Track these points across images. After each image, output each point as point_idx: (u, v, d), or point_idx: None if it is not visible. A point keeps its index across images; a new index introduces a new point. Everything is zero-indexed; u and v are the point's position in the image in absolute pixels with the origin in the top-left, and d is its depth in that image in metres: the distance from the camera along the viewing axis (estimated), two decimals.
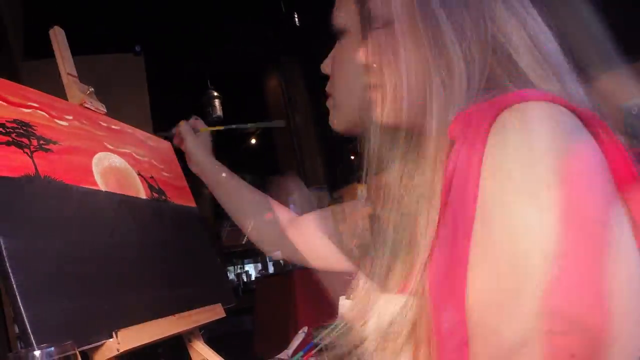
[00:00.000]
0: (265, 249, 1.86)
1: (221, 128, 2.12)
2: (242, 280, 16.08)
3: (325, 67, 1.29)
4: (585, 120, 0.75)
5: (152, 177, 1.96)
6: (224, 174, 1.92)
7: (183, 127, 1.97)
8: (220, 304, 1.92)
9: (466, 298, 0.74)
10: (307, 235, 1.73)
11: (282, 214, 1.86)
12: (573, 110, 0.75)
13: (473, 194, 0.75)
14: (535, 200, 0.69)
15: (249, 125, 2.10)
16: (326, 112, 1.32)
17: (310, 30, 9.25)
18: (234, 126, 2.09)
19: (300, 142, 10.34)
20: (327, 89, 1.29)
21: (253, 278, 16.11)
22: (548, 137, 0.71)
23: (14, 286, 1.15)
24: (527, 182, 0.70)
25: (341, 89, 1.23)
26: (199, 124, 2.05)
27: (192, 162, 1.95)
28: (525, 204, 0.69)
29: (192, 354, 1.87)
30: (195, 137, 1.97)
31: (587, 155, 0.72)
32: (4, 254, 1.17)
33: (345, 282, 1.20)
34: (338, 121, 1.26)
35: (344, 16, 1.16)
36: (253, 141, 14.77)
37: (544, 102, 0.75)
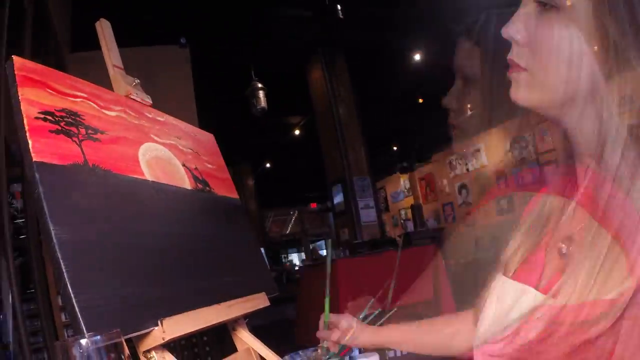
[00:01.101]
0: None
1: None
2: (286, 269, 16.16)
3: (517, 32, 1.12)
4: None
5: (196, 168, 1.96)
6: (399, 337, 1.78)
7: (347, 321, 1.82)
8: (264, 293, 1.93)
9: None
10: None
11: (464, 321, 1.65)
12: None
13: None
14: None
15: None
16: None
17: (353, 22, 9.25)
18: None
19: (343, 133, 10.32)
20: (517, 59, 1.14)
21: (297, 267, 16.18)
22: None
23: (65, 274, 1.16)
24: None
25: (547, 66, 1.08)
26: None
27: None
28: None
29: (237, 342, 1.87)
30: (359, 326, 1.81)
31: None
32: (55, 242, 1.18)
33: None
34: (530, 96, 1.12)
35: None
36: (297, 132, 14.79)
37: None
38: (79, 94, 1.52)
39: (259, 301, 1.86)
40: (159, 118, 1.92)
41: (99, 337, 0.93)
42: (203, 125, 2.36)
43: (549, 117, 1.11)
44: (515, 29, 1.11)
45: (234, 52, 9.10)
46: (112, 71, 1.83)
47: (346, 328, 1.78)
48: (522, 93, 1.12)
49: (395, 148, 16.75)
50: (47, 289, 3.89)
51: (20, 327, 3.30)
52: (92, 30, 1.86)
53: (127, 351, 0.99)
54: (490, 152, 12.73)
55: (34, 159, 1.23)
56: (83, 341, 0.92)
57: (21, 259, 3.90)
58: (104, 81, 1.78)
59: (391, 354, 4.77)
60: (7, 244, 3.31)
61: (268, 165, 17.82)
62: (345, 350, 1.86)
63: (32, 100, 1.32)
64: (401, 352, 4.68)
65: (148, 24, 6.70)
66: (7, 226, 3.33)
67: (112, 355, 0.94)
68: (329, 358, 1.99)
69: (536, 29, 1.09)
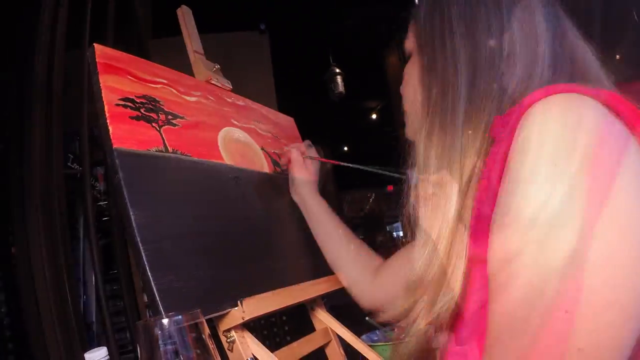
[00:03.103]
0: (355, 297, 1.74)
1: (334, 162, 1.97)
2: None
3: (401, 88, 1.37)
4: (609, 103, 0.84)
5: (275, 152, 1.95)
6: (324, 214, 1.83)
7: (294, 153, 1.88)
8: None
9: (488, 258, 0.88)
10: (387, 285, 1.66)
11: (373, 261, 1.77)
12: (594, 96, 0.85)
13: (500, 174, 0.89)
14: (553, 176, 0.80)
15: (366, 167, 1.93)
16: None
17: None
18: (347, 164, 1.92)
19: None
20: (403, 105, 1.37)
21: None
22: (568, 124, 0.82)
23: (143, 257, 1.16)
24: (547, 159, 0.81)
25: (409, 104, 1.32)
26: (310, 151, 1.94)
27: (295, 191, 1.88)
28: (543, 179, 0.80)
29: (315, 322, 1.87)
30: (303, 166, 1.88)
31: (603, 138, 0.81)
32: (134, 226, 1.18)
33: None
34: (409, 134, 1.31)
35: (408, 43, 1.30)
36: (374, 116, 14.76)
37: (566, 94, 0.86)
38: (159, 80, 1.52)
39: (337, 281, 1.84)
40: (238, 102, 1.91)
41: (180, 316, 0.93)
42: (282, 108, 2.36)
43: None
44: (401, 86, 1.36)
45: (312, 38, 9.11)
46: (192, 57, 1.83)
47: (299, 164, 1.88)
48: (406, 129, 1.34)
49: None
50: (129, 270, 3.94)
51: (103, 307, 3.35)
52: (174, 16, 1.86)
53: (207, 330, 0.98)
54: None
55: (114, 146, 1.23)
56: (165, 321, 0.91)
57: (104, 241, 3.96)
58: (185, 66, 1.79)
59: None
60: (90, 226, 3.36)
61: (346, 148, 17.82)
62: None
63: (112, 87, 1.32)
64: None
65: (228, 10, 6.73)
66: (90, 208, 3.39)
67: (193, 334, 0.93)
68: (406, 336, 1.98)
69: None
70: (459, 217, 1.00)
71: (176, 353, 0.90)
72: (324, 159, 1.95)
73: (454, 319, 1.04)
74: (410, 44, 1.30)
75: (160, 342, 0.90)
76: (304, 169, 1.87)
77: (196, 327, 0.95)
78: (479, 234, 0.93)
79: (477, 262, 0.95)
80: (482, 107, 1.02)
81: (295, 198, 1.88)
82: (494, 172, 0.91)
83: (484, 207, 0.92)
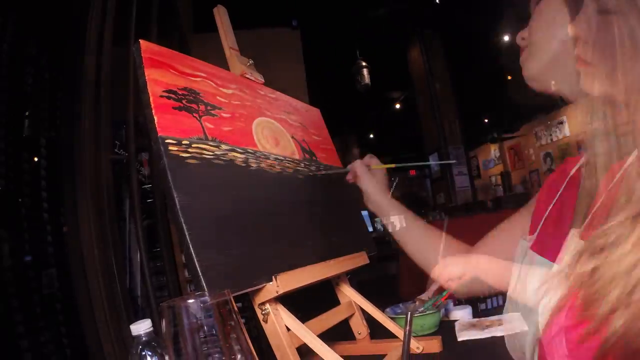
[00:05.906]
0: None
1: (393, 166, 2.07)
2: (388, 230, 16.14)
3: (523, 34, 1.37)
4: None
5: (304, 140, 1.97)
6: (400, 213, 1.90)
7: (359, 166, 1.95)
8: (364, 252, 1.93)
9: None
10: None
11: (458, 247, 1.83)
12: None
13: None
14: None
15: (421, 164, 2.02)
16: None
17: (449, 6, 9.14)
18: (407, 164, 2.11)
19: (439, 106, 10.35)
20: (522, 43, 1.37)
21: (397, 228, 16.18)
22: None
23: (187, 236, 1.18)
24: None
25: (539, 41, 1.30)
26: (373, 161, 2.01)
27: (369, 200, 1.96)
28: None
29: (339, 296, 1.88)
30: (371, 176, 1.97)
31: None
32: (178, 208, 1.20)
33: None
34: (530, 67, 1.34)
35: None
36: (397, 106, 14.71)
37: None
38: (198, 73, 1.54)
39: (360, 259, 1.86)
40: (270, 95, 1.93)
41: (206, 297, 0.93)
42: (312, 99, 2.37)
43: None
44: (522, 32, 1.38)
45: (340, 33, 9.10)
46: (228, 53, 1.85)
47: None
48: (525, 68, 1.37)
49: (486, 120, 16.60)
50: (171, 248, 3.98)
51: (148, 283, 3.40)
52: (212, 14, 1.88)
53: (235, 308, 0.99)
54: (572, 123, 12.54)
55: (159, 134, 1.26)
56: (190, 301, 0.91)
57: (148, 221, 4.00)
58: (223, 59, 1.81)
59: (482, 306, 4.73)
60: (136, 208, 3.42)
61: (372, 135, 17.80)
62: (442, 298, 1.88)
63: (157, 80, 1.34)
64: (492, 305, 4.63)
65: (263, 7, 6.73)
66: (135, 191, 3.44)
67: (221, 313, 0.93)
68: (425, 308, 1.99)
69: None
70: None
71: (202, 331, 0.90)
72: (388, 165, 2.03)
73: None
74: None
75: (185, 321, 0.90)
76: (372, 180, 1.96)
77: (224, 306, 0.95)
78: None
79: None
80: None
81: (370, 207, 1.97)
82: None
83: None
